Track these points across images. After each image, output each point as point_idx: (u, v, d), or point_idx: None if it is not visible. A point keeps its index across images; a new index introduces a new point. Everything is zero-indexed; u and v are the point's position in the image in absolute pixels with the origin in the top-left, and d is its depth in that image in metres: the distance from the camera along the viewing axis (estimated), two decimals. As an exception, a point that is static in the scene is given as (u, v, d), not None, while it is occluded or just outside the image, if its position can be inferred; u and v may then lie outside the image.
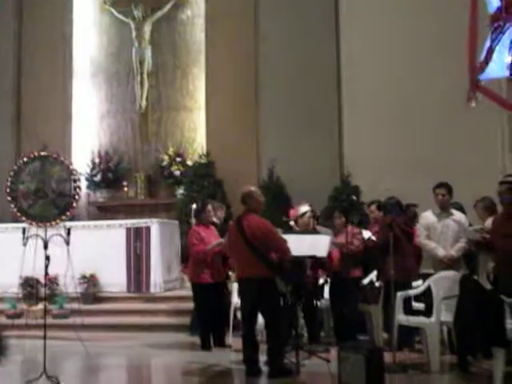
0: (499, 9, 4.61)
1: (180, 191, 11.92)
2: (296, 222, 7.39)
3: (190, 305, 8.86)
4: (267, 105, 11.70)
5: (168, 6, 12.55)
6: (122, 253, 9.37)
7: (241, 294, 5.84)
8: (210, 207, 7.51)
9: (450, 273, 6.08)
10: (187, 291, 9.72)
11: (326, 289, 7.49)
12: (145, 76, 12.46)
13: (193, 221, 10.10)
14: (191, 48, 12.61)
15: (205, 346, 7.03)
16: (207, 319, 7.09)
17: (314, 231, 7.33)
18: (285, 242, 5.83)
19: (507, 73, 4.49)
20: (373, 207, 7.72)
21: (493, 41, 4.63)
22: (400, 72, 10.55)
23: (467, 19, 5.23)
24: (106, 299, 9.25)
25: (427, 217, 6.63)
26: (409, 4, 10.59)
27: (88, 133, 12.68)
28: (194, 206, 10.18)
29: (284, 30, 11.57)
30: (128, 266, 9.34)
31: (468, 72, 4.93)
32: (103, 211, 12.26)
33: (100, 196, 12.49)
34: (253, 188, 6.15)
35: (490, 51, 4.65)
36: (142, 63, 12.46)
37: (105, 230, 9.68)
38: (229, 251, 6.14)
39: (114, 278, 9.32)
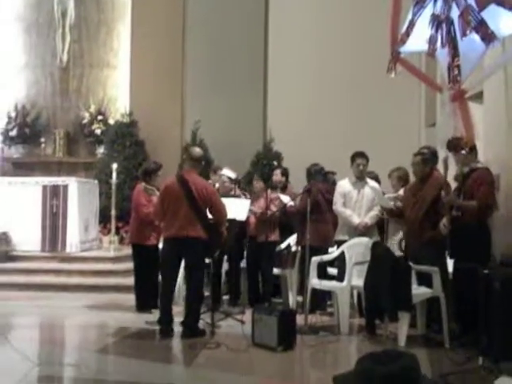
0: (422, -18, 4.70)
1: (100, 150, 11.66)
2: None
3: (107, 266, 8.84)
4: (193, 66, 11.54)
5: (95, -42, 12.06)
6: (37, 211, 9.10)
7: (169, 252, 5.72)
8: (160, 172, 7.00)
9: (363, 239, 6.28)
10: (104, 252, 9.64)
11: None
12: (67, 29, 11.98)
13: (113, 181, 9.97)
14: (117, 3, 12.20)
15: (142, 307, 6.77)
16: (148, 281, 6.73)
17: (235, 195, 7.38)
18: (224, 206, 5.83)
19: (426, 47, 4.59)
20: (277, 171, 7.96)
21: (414, 14, 4.72)
22: (325, 39, 10.69)
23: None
24: (20, 258, 9.00)
25: (343, 185, 6.80)
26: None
27: (4, 85, 12.10)
28: (115, 165, 10.04)
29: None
30: (43, 224, 9.09)
31: (389, 43, 5.02)
32: (18, 168, 11.81)
33: (15, 152, 12.03)
34: None
35: (411, 24, 4.75)
36: (64, 15, 11.96)
37: (19, 187, 9.35)
38: (160, 209, 5.81)
39: (29, 236, 9.05)
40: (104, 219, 10.34)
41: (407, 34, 4.82)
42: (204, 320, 5.96)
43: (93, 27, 12.17)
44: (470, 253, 5.09)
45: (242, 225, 7.13)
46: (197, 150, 5.97)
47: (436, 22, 4.48)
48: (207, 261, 7.43)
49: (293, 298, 7.04)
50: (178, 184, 5.67)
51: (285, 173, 8.02)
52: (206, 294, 7.23)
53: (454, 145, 4.90)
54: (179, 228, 5.60)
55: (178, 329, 5.71)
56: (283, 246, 7.32)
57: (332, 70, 10.57)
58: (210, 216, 5.75)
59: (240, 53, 11.29)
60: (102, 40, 12.19)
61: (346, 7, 10.59)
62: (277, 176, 7.87)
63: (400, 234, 6.32)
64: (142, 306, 6.81)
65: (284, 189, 7.86)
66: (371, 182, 6.76)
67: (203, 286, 5.97)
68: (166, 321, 5.72)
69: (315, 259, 6.22)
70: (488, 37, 4.10)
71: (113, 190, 9.66)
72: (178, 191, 5.63)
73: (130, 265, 7.58)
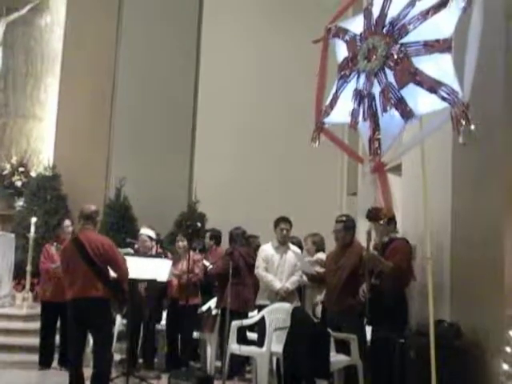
0: (346, 59, 4.90)
1: (20, 203, 11.28)
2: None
3: (18, 324, 8.41)
4: (122, 122, 11.49)
5: (26, 9, 11.96)
6: None
7: (71, 315, 5.53)
8: (67, 222, 7.34)
9: (284, 305, 6.28)
10: (16, 309, 9.18)
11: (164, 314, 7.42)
12: (-7, 78, 11.74)
13: (31, 235, 9.62)
14: (47, 56, 12.10)
15: (43, 364, 7.00)
16: (48, 338, 7.11)
17: (157, 255, 7.27)
18: (125, 261, 5.70)
19: (348, 119, 4.76)
20: (207, 234, 8.10)
21: (338, 88, 4.90)
22: (254, 107, 10.95)
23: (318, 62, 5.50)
24: None
25: (266, 249, 6.84)
26: (262, 41, 11.09)
27: None
28: (34, 219, 9.72)
29: (144, 51, 11.49)
30: (-49, 279, 8.63)
31: (314, 114, 5.17)
32: None
33: None
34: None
35: (335, 97, 4.92)
36: (-10, 64, 11.74)
37: None
38: (62, 271, 5.78)
39: None
40: (19, 275, 9.90)
41: (331, 106, 4.98)
42: (118, 385, 5.74)
43: (20, 78, 11.97)
44: (388, 321, 5.18)
45: (162, 286, 7.01)
46: (87, 207, 5.81)
47: (358, 96, 4.66)
48: (120, 321, 7.30)
49: (211, 363, 6.91)
50: (72, 245, 5.58)
51: (213, 236, 8.03)
52: (122, 356, 7.01)
53: (373, 215, 5.04)
54: (78, 289, 5.42)
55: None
56: (204, 308, 7.22)
57: (258, 137, 10.81)
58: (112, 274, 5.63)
59: (171, 111, 11.38)
60: (28, 91, 11.99)
61: (274, 76, 10.95)
62: (206, 239, 7.91)
63: (315, 300, 6.38)
64: (43, 362, 7.00)
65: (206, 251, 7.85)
66: (293, 247, 6.84)
67: (110, 346, 5.78)
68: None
69: (235, 323, 6.15)
70: (407, 113, 4.29)
71: (30, 245, 9.30)
72: (73, 252, 5.51)
73: (42, 324, 7.28)
